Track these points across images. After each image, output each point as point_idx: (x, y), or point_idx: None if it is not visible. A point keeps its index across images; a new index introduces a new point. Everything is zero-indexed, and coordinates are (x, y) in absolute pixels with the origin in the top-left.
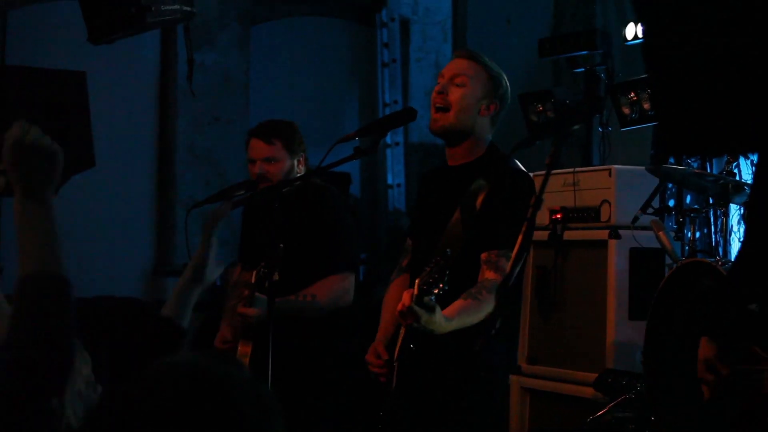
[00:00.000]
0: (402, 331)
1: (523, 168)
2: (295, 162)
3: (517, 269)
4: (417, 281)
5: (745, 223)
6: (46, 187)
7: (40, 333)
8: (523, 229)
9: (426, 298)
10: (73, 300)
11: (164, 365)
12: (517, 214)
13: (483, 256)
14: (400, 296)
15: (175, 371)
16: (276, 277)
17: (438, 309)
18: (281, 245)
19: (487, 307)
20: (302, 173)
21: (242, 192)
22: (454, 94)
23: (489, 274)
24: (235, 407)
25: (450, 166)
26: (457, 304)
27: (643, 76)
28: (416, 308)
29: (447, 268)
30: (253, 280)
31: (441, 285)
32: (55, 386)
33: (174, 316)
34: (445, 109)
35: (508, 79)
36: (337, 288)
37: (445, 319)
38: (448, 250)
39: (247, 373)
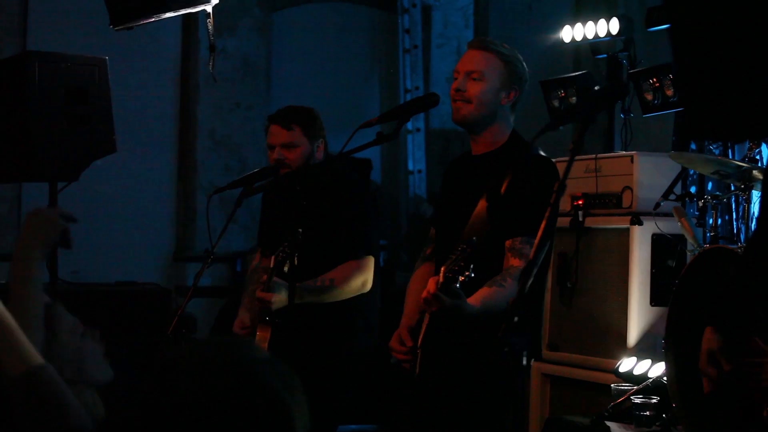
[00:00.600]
0: (426, 317)
1: (545, 154)
2: (315, 148)
3: (542, 255)
4: (443, 269)
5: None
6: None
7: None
8: (546, 214)
9: (452, 285)
10: (60, 383)
11: (188, 349)
12: (541, 201)
13: (507, 243)
14: (424, 284)
15: (199, 354)
16: (295, 261)
17: (463, 296)
18: (300, 230)
19: (512, 294)
20: (322, 159)
21: (263, 178)
22: (473, 89)
23: (514, 261)
24: (260, 386)
25: (473, 156)
26: (482, 291)
27: (666, 62)
28: (441, 295)
29: (473, 256)
30: (272, 265)
31: (467, 273)
32: None
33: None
34: (466, 101)
35: (529, 66)
36: (356, 273)
37: (470, 307)
38: (474, 237)
39: (267, 354)
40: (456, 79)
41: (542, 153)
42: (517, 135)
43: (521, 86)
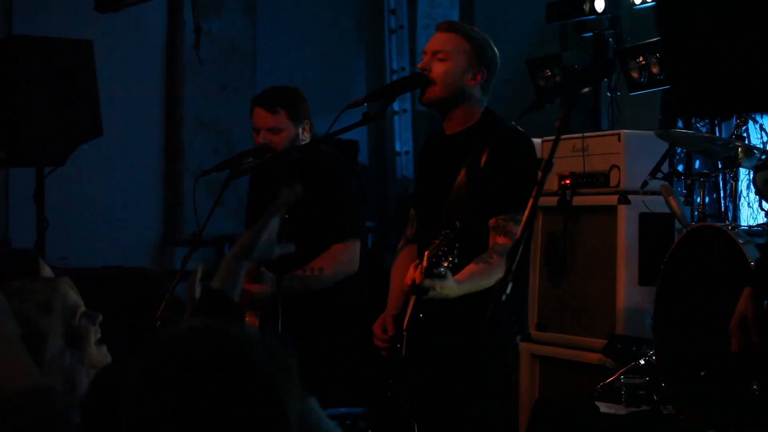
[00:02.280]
0: (411, 300)
1: (520, 129)
2: (300, 130)
3: (528, 233)
4: (426, 253)
5: None
6: None
7: None
8: (534, 193)
9: (435, 271)
10: (60, 408)
11: (178, 330)
12: (520, 176)
13: (491, 221)
14: (407, 266)
15: (191, 334)
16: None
17: (449, 274)
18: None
19: (498, 271)
20: (307, 141)
21: (250, 160)
22: (437, 70)
23: (499, 239)
24: (252, 364)
25: (447, 135)
26: (469, 268)
27: (652, 40)
28: (427, 282)
29: (456, 241)
30: None
31: (450, 258)
32: None
33: (225, 289)
34: (431, 82)
35: (515, 45)
36: (342, 257)
37: (456, 283)
38: (457, 222)
39: (258, 334)
40: (423, 59)
41: (517, 127)
42: (491, 112)
43: (490, 69)
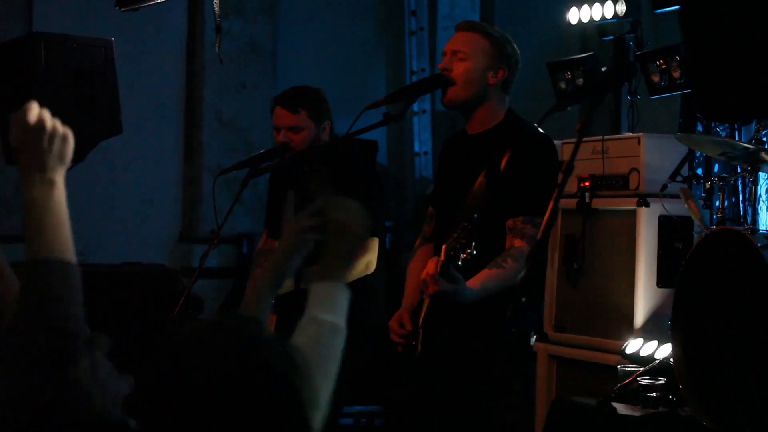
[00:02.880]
0: (427, 297)
1: (542, 131)
2: (321, 130)
3: (549, 235)
4: (444, 247)
5: None
6: (56, 169)
7: (47, 320)
8: (554, 195)
9: (451, 269)
10: (80, 287)
11: (194, 330)
12: (543, 180)
13: (509, 223)
14: (424, 264)
15: (205, 334)
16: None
17: (461, 280)
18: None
19: (512, 275)
20: (328, 140)
21: (269, 159)
22: (458, 69)
23: (516, 242)
24: (266, 365)
25: (469, 135)
26: (482, 273)
27: (673, 44)
28: (440, 279)
29: (474, 233)
30: None
31: (468, 250)
32: (61, 370)
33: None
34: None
35: (535, 48)
36: (361, 256)
37: (468, 290)
38: (475, 215)
39: (273, 334)
40: (443, 60)
41: (540, 130)
42: (514, 114)
43: (510, 66)
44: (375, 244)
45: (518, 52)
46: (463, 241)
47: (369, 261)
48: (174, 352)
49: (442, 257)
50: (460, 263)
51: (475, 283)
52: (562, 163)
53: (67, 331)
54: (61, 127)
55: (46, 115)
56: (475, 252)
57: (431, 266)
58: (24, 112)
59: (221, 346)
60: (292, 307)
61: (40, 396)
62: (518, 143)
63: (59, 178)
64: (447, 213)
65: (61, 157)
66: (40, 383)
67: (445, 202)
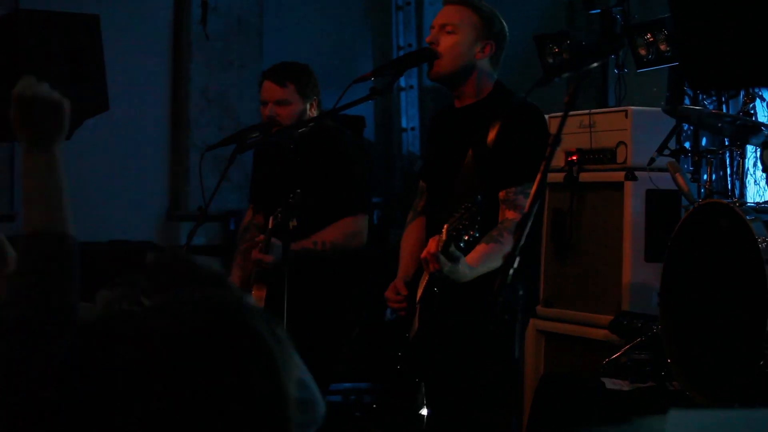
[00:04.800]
0: (426, 273)
1: (531, 102)
2: (308, 106)
3: (536, 207)
4: (445, 227)
5: None
6: (53, 139)
7: (42, 293)
8: (542, 168)
9: (452, 248)
10: (77, 260)
11: (178, 298)
12: (532, 149)
13: (501, 194)
14: (418, 238)
15: (190, 304)
16: (294, 223)
17: (462, 259)
18: (298, 191)
19: (509, 248)
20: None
21: (255, 135)
22: (445, 43)
23: (509, 214)
24: (252, 336)
25: (457, 108)
26: (479, 249)
27: (660, 17)
28: (441, 257)
29: (478, 215)
30: (270, 226)
31: (471, 232)
32: (55, 343)
33: None
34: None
35: (522, 21)
36: (350, 230)
37: (468, 268)
38: (478, 196)
39: (258, 307)
40: (431, 33)
41: (528, 100)
42: (502, 86)
43: (498, 41)
44: (364, 219)
45: (506, 27)
46: (466, 222)
47: (359, 234)
48: (152, 323)
49: (444, 236)
50: (462, 245)
51: (474, 260)
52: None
53: (62, 305)
54: (57, 98)
55: (44, 87)
56: (477, 234)
57: (432, 245)
58: (22, 86)
59: (202, 317)
60: (280, 283)
61: (27, 370)
62: (506, 114)
63: (57, 149)
64: (438, 187)
65: (60, 128)
66: (29, 357)
67: (436, 176)
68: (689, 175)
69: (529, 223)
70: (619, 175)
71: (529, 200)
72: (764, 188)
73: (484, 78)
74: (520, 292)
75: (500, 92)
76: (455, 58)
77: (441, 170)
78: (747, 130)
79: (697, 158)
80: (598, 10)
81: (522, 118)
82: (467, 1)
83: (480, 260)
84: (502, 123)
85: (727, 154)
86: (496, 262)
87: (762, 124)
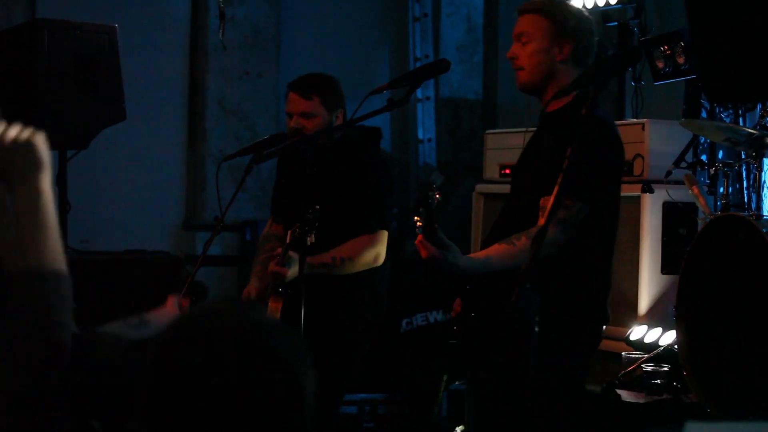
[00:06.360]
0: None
1: (606, 118)
2: (333, 118)
3: (553, 219)
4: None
5: None
6: (36, 176)
7: (37, 329)
8: (559, 180)
9: (439, 233)
10: (70, 295)
11: (197, 313)
12: (584, 164)
13: (541, 202)
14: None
15: (207, 319)
16: (311, 239)
17: (453, 247)
18: (317, 207)
19: (522, 254)
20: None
21: (272, 146)
22: (522, 54)
23: (541, 221)
24: (268, 350)
25: (546, 112)
26: (493, 246)
27: (677, 29)
28: (427, 244)
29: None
30: (288, 240)
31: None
32: (51, 381)
33: None
34: (520, 68)
35: None
36: (368, 248)
37: (463, 259)
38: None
39: (275, 320)
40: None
41: (603, 115)
42: (585, 94)
43: (577, 36)
44: (384, 236)
45: (585, 19)
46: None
47: (378, 253)
48: (175, 334)
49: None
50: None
51: (479, 254)
52: (621, 150)
53: (56, 339)
54: (24, 135)
55: (12, 129)
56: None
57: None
58: None
59: (222, 329)
60: (299, 293)
61: (22, 399)
62: (574, 128)
63: (44, 184)
64: (524, 187)
65: (36, 164)
66: (25, 387)
67: (522, 177)
68: (706, 188)
69: (543, 237)
70: (636, 188)
71: (545, 214)
72: None
73: (565, 82)
74: (535, 303)
75: (580, 101)
76: (533, 67)
77: (524, 173)
78: (764, 143)
79: (713, 171)
80: (616, 23)
81: (586, 132)
82: (536, 7)
83: (486, 255)
84: (567, 137)
85: (744, 167)
86: (503, 262)
87: None
